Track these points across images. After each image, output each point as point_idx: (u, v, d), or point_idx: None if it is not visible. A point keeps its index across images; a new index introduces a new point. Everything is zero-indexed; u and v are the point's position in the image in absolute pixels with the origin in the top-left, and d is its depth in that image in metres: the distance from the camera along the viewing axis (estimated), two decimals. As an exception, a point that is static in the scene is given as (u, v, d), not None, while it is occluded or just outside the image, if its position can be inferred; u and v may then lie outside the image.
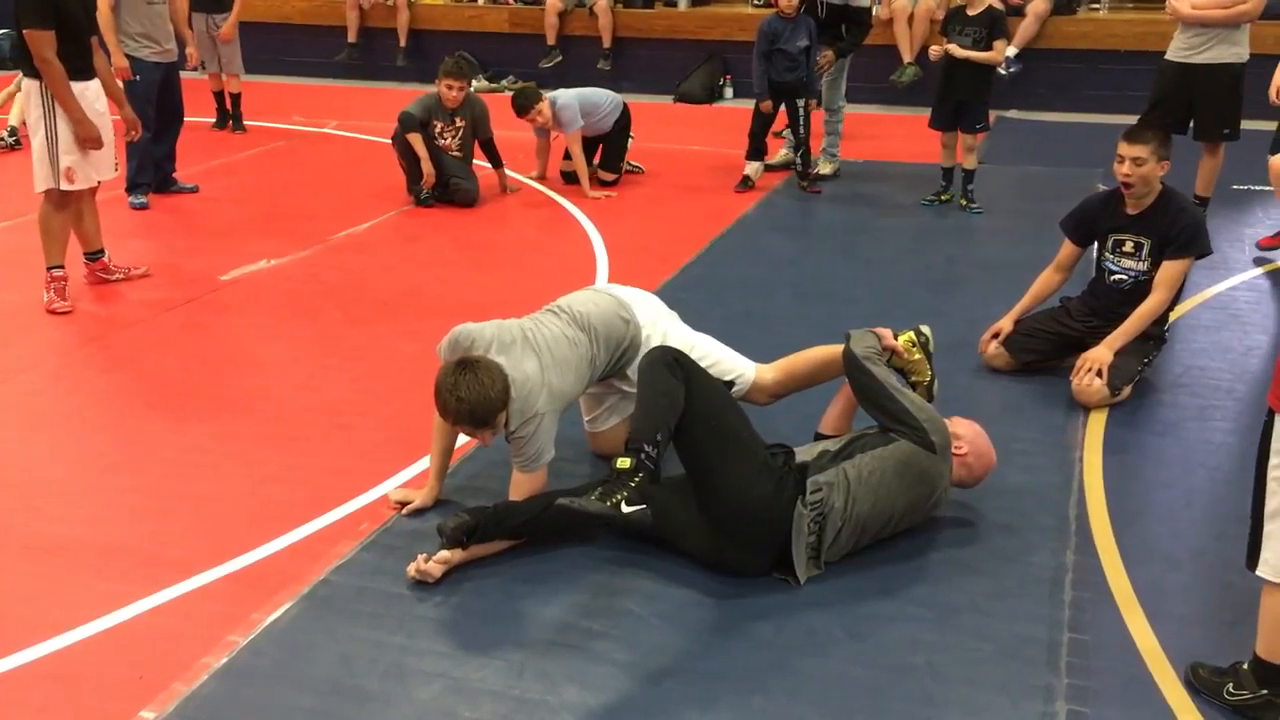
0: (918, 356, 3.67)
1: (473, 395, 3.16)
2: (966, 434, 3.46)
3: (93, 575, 3.29)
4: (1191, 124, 6.25)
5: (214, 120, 9.24)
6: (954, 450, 3.39)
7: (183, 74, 7.36)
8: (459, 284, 5.78)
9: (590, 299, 3.70)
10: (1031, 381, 4.55)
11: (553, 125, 7.36)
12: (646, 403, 3.11)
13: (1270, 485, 2.53)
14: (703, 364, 3.64)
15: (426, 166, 6.95)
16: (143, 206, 7.01)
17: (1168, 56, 6.22)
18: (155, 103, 6.97)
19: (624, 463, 2.95)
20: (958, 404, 4.36)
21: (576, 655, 2.92)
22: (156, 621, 3.09)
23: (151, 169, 7.13)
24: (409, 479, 3.81)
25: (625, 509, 2.86)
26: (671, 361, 3.18)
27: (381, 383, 4.56)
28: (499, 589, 3.20)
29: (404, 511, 3.56)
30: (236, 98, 9.15)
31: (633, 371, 3.55)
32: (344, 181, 7.78)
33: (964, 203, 6.95)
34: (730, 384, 3.69)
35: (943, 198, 7.00)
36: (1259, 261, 6.00)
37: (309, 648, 2.97)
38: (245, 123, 9.20)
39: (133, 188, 7.00)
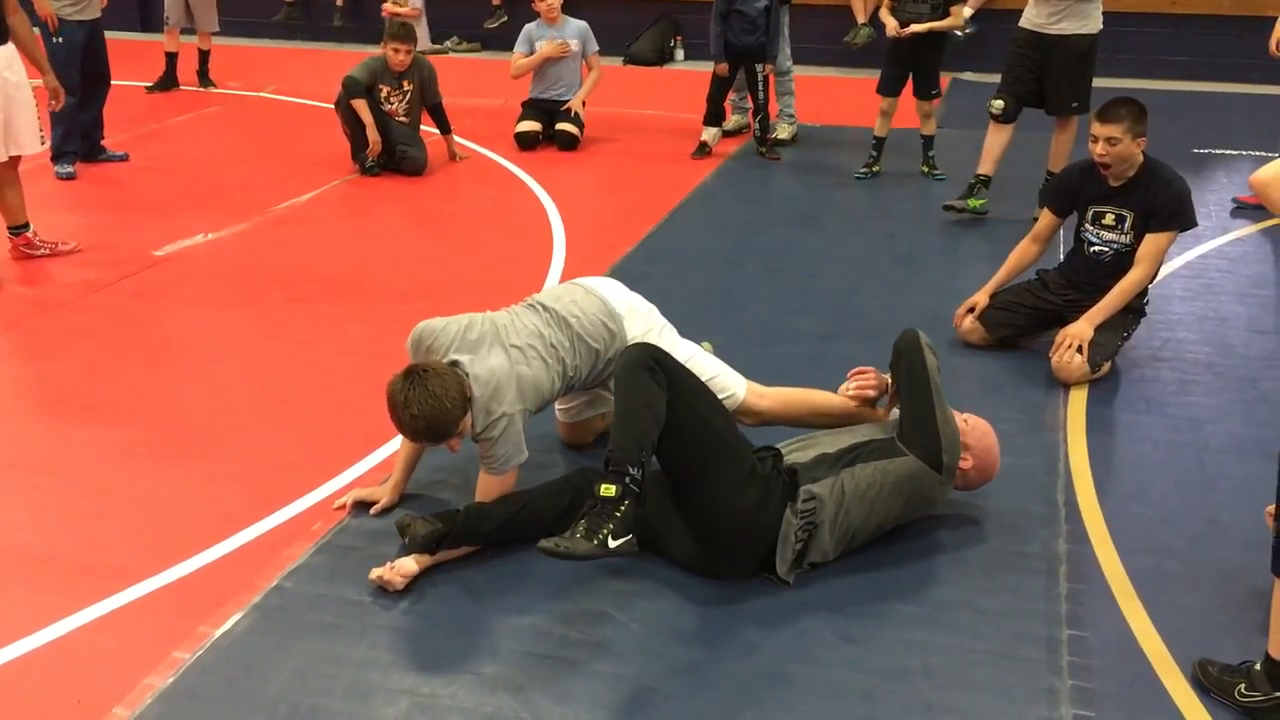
0: None
1: (426, 410, 2.90)
2: (975, 446, 3.22)
3: (22, 587, 3.03)
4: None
5: (153, 82, 8.82)
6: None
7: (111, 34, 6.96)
8: (410, 258, 5.52)
9: (576, 300, 3.36)
10: (1008, 357, 4.41)
11: (571, 46, 7.35)
12: (627, 413, 2.85)
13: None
14: None
15: (372, 133, 6.64)
16: (69, 177, 6.63)
17: (1021, 24, 5.81)
18: (80, 66, 6.57)
19: (608, 490, 2.70)
20: (935, 382, 4.23)
21: (553, 666, 2.74)
22: (94, 638, 2.84)
23: (78, 136, 6.75)
24: (365, 473, 3.58)
25: (612, 543, 2.63)
26: (652, 364, 2.93)
27: (331, 369, 4.31)
28: (468, 594, 2.99)
29: (373, 511, 3.31)
30: (205, 55, 8.85)
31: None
32: (284, 149, 7.44)
33: (926, 169, 6.80)
34: None
35: (874, 169, 6.82)
36: (1227, 228, 5.93)
37: (262, 664, 2.75)
38: (182, 86, 8.85)
39: (58, 156, 6.61)
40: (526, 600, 2.97)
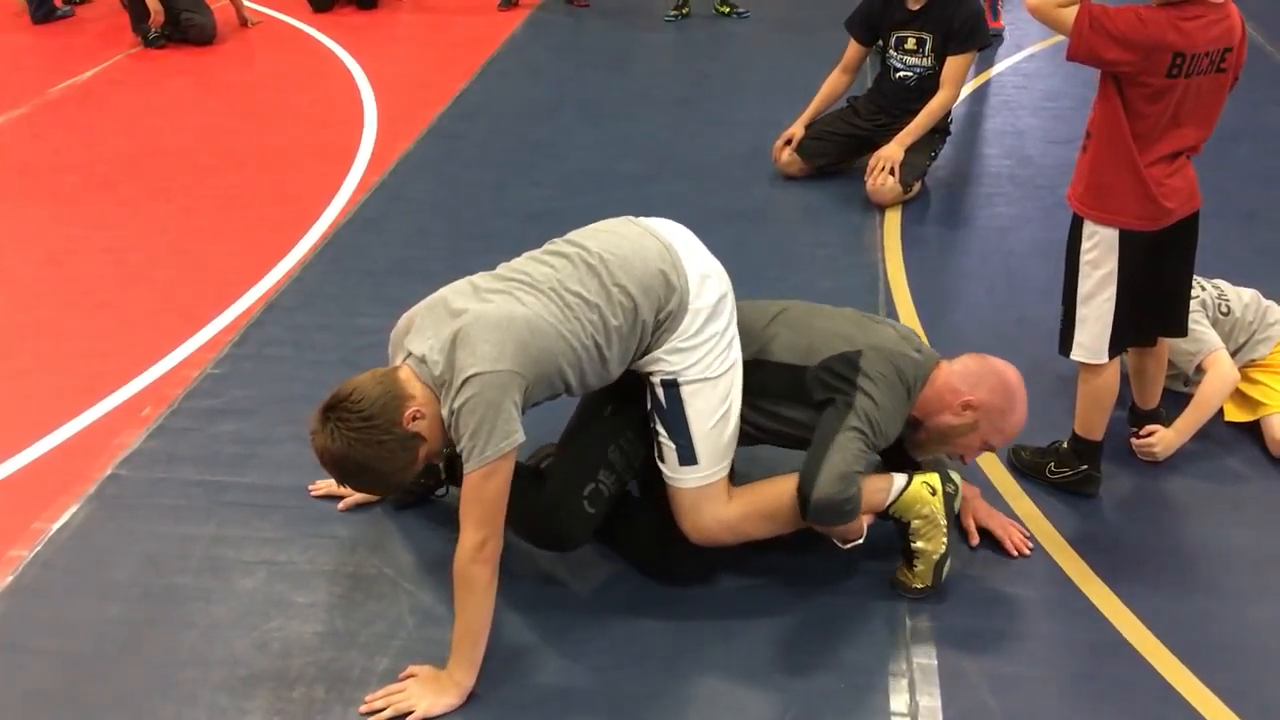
0: (931, 510, 2.42)
1: (341, 460, 2.21)
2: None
3: None
4: None
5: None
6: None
7: None
8: (211, 132, 5.23)
9: (620, 231, 2.43)
10: (827, 185, 4.53)
11: None
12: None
13: (1083, 269, 2.57)
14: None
15: (153, 2, 6.20)
16: None
17: None
18: None
19: None
20: (757, 215, 4.33)
21: (409, 521, 2.75)
22: (-82, 548, 2.71)
23: None
24: (191, 353, 3.44)
25: None
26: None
27: (139, 251, 4.09)
28: (315, 466, 2.95)
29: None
30: None
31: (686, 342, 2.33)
32: (53, 25, 6.86)
33: (726, 10, 6.81)
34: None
35: (684, 11, 6.81)
36: (1021, 45, 6.15)
37: (107, 552, 2.67)
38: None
39: None
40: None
